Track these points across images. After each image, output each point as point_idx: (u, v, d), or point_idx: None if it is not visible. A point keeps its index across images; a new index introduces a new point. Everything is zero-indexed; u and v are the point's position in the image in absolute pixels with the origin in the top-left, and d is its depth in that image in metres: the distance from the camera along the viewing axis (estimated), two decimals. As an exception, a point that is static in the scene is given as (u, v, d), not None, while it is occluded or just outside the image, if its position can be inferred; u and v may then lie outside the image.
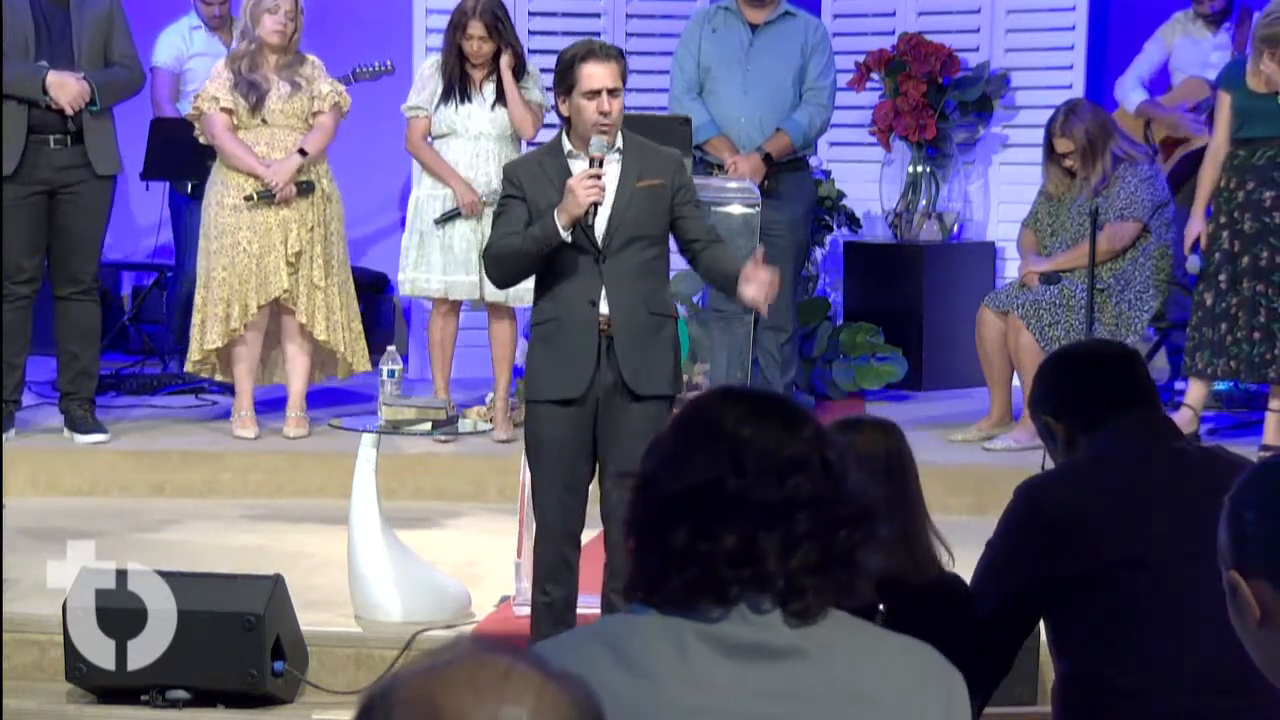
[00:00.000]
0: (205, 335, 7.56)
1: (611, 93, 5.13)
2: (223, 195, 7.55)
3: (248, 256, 7.50)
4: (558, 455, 5.15)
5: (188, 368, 7.80)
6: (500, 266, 5.23)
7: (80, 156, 7.49)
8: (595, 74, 5.11)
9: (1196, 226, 7.28)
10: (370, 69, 8.77)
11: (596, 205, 5.04)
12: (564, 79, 5.16)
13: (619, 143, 5.21)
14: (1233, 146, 7.19)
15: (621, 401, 5.12)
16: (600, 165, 5.08)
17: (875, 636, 2.33)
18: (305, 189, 7.55)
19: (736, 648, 2.26)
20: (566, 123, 5.21)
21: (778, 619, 2.26)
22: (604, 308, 5.11)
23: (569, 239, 5.06)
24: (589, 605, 5.37)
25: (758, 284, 5.01)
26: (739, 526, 2.27)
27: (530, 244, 5.11)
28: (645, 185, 5.16)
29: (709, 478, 2.29)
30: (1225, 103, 7.24)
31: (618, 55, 5.22)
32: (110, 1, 7.62)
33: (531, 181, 5.14)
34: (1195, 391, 7.38)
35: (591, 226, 5.10)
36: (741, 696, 2.25)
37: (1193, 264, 7.32)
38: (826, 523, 2.28)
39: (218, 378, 7.85)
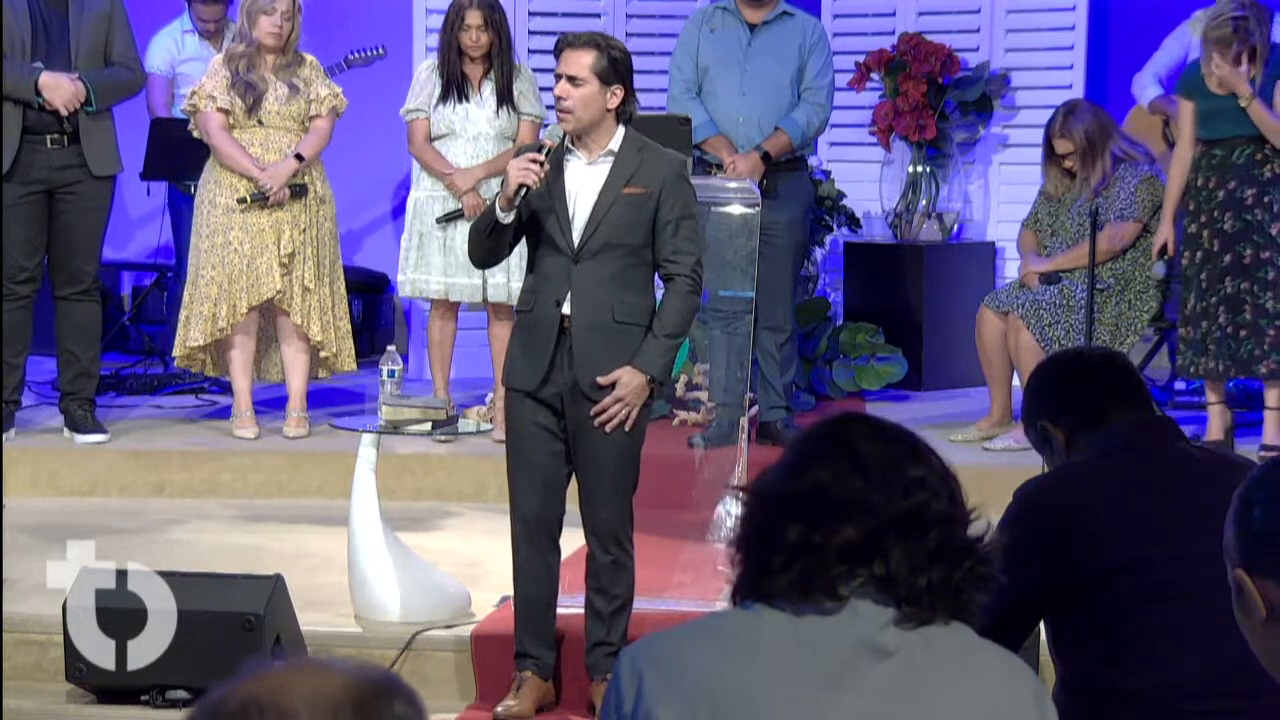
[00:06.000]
0: (189, 333, 7.55)
1: (572, 80, 5.14)
2: (215, 195, 7.53)
3: (239, 257, 7.49)
4: (526, 443, 5.21)
5: (176, 362, 7.81)
6: (469, 244, 5.38)
7: (77, 157, 7.48)
8: (561, 60, 5.18)
9: (1165, 233, 7.32)
10: (363, 54, 8.79)
11: (527, 188, 5.05)
12: None
13: (614, 144, 5.20)
14: (1206, 146, 7.20)
15: (584, 402, 5.15)
16: (547, 153, 5.09)
17: (976, 644, 2.37)
18: (298, 192, 7.53)
19: (846, 644, 2.29)
20: None
21: (890, 620, 2.30)
22: (566, 309, 5.14)
23: (506, 220, 5.10)
24: (573, 605, 5.38)
25: (612, 409, 5.09)
26: (859, 524, 2.30)
27: (479, 221, 5.24)
28: (630, 193, 5.15)
29: (829, 480, 2.33)
30: (1188, 110, 7.26)
31: (595, 45, 5.18)
32: (110, 2, 7.61)
33: None
34: (1209, 393, 7.37)
35: (570, 225, 5.12)
36: (846, 691, 2.29)
37: (1158, 271, 7.40)
38: (956, 548, 2.32)
39: (208, 372, 7.84)
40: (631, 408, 5.11)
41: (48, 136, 7.45)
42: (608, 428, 5.10)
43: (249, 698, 1.67)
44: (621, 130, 5.22)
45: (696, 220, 5.28)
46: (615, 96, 5.16)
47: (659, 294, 5.39)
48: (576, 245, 5.14)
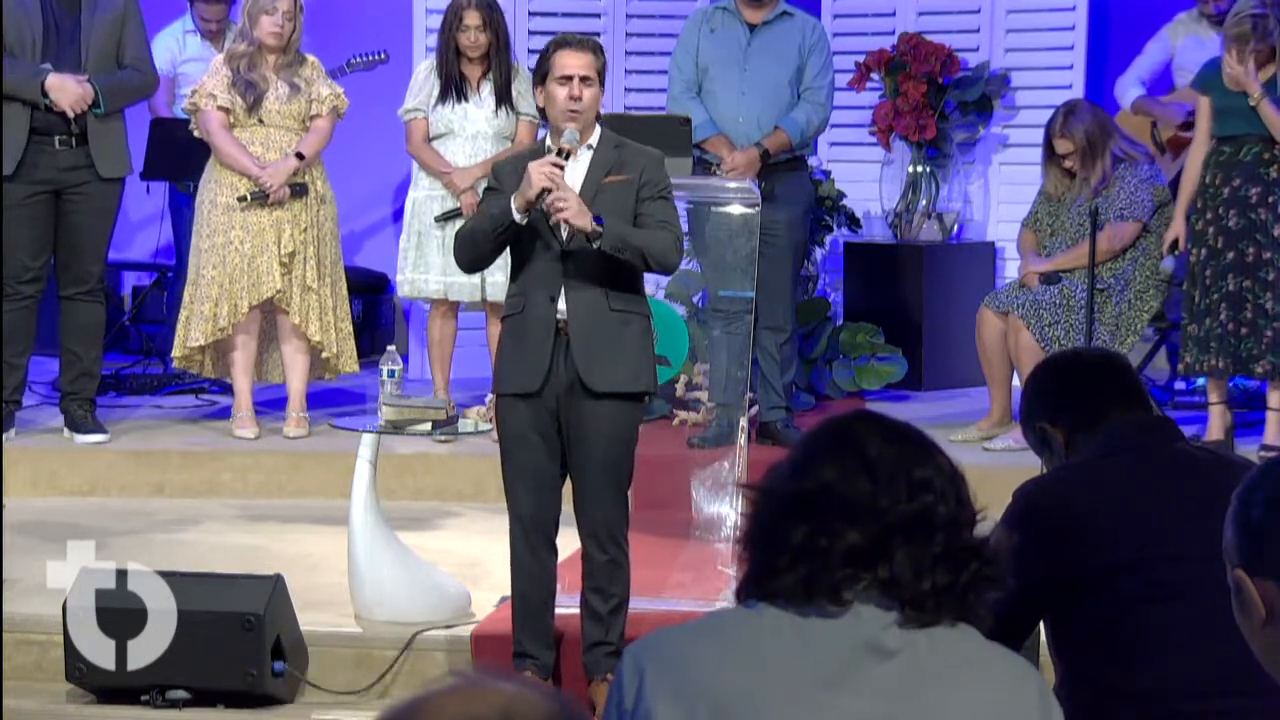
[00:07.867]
0: (189, 332, 7.55)
1: (584, 80, 5.20)
2: (216, 194, 7.54)
3: (239, 256, 7.49)
4: (522, 448, 5.21)
5: (175, 363, 7.81)
6: (462, 246, 5.32)
7: (85, 158, 7.48)
8: (568, 60, 5.22)
9: (1177, 229, 7.32)
10: (365, 58, 8.79)
11: (549, 192, 5.04)
12: (541, 67, 5.30)
13: (593, 140, 5.27)
14: (1218, 143, 7.22)
15: (582, 399, 5.15)
16: (566, 156, 5.11)
17: (981, 645, 2.36)
18: (298, 191, 7.53)
19: (849, 645, 2.29)
20: (543, 115, 5.35)
21: (892, 622, 2.30)
22: (562, 304, 5.15)
23: (522, 221, 5.10)
24: (572, 605, 5.38)
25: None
26: (865, 527, 2.29)
27: (486, 222, 5.19)
28: (611, 181, 5.20)
29: (835, 480, 2.32)
30: (1205, 105, 7.28)
31: (595, 48, 5.30)
32: (124, 4, 7.60)
33: (511, 177, 5.19)
34: (1211, 392, 7.38)
35: (554, 220, 5.11)
36: (846, 691, 2.29)
37: (1167, 266, 7.39)
38: (962, 550, 2.32)
39: (206, 374, 7.84)
40: (567, 197, 5.01)
41: (55, 137, 7.45)
42: (531, 170, 5.04)
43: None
44: (599, 128, 5.31)
45: (675, 208, 5.33)
46: (600, 96, 5.30)
47: (649, 285, 5.43)
48: (565, 238, 5.15)
